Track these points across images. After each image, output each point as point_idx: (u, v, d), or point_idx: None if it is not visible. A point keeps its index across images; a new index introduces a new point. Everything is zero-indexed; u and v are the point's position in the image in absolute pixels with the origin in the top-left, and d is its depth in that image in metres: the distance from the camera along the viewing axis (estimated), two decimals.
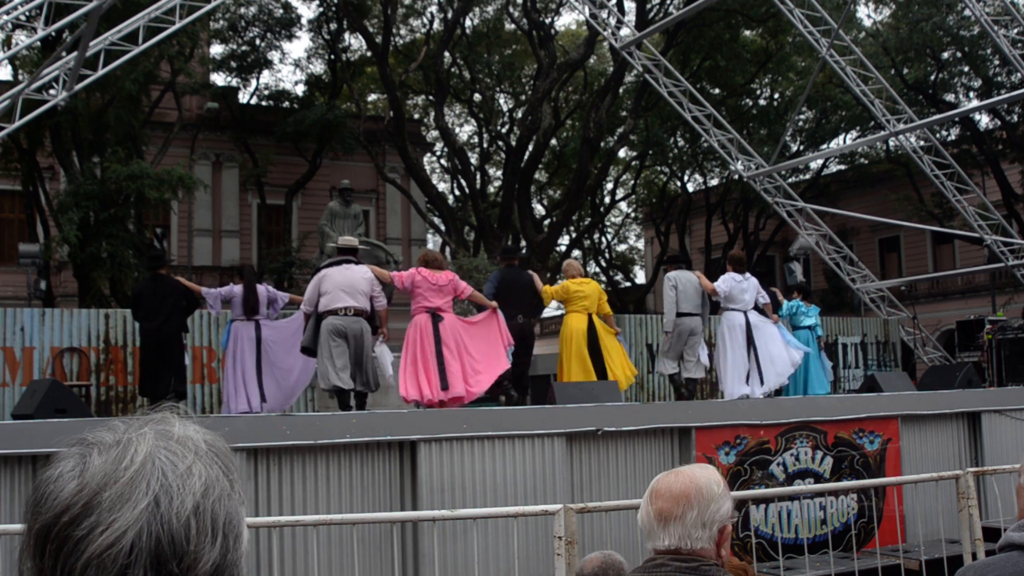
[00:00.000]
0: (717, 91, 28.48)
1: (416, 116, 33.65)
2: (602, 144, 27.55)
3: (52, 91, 12.84)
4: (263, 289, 9.87)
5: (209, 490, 0.93)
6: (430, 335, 8.58)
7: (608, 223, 40.83)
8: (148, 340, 9.69)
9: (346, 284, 8.64)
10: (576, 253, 38.53)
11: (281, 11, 26.72)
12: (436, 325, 8.63)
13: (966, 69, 27.41)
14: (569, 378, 9.63)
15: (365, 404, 9.02)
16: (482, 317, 9.27)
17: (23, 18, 12.53)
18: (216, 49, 27.27)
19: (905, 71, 26.16)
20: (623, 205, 40.98)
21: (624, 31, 19.21)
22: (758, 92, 30.42)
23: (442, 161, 36.94)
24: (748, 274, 10.79)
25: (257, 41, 26.96)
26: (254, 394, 9.48)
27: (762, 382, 10.43)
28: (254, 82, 28.24)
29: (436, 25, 29.46)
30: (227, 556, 0.93)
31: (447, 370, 8.55)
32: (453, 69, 30.17)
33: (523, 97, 31.99)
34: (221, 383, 10.23)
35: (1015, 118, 26.67)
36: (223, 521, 0.94)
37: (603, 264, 40.79)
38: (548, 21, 28.44)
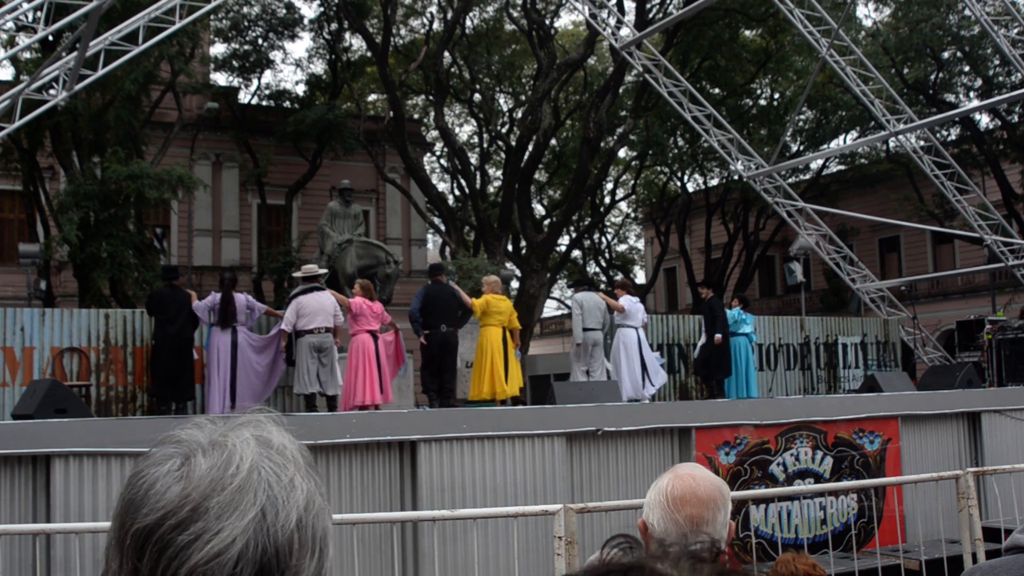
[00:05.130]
0: (717, 91, 28.45)
1: (416, 116, 33.62)
2: (602, 144, 27.51)
3: (52, 91, 12.83)
4: (242, 298, 10.79)
5: (310, 505, 0.94)
6: (372, 352, 10.46)
7: (608, 223, 40.77)
8: (166, 344, 10.33)
9: (319, 309, 10.55)
10: (576, 253, 38.51)
11: (284, 11, 26.71)
12: (376, 344, 10.55)
13: (966, 69, 27.40)
14: (482, 381, 11.10)
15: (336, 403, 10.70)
16: (391, 335, 11.13)
17: (24, 19, 12.53)
18: (218, 49, 27.29)
19: (905, 71, 26.14)
20: (623, 205, 40.96)
21: (624, 31, 19.21)
22: (758, 92, 30.39)
23: (442, 161, 36.95)
24: (637, 298, 12.83)
25: (259, 41, 26.94)
26: (227, 397, 10.33)
27: (652, 384, 12.20)
28: (255, 82, 28.26)
29: (436, 25, 29.45)
30: (321, 571, 0.94)
31: (384, 379, 10.52)
32: (453, 69, 30.15)
33: (523, 97, 31.96)
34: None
35: (1015, 118, 26.65)
36: (320, 536, 0.94)
37: (603, 264, 40.71)
38: (548, 21, 28.43)
